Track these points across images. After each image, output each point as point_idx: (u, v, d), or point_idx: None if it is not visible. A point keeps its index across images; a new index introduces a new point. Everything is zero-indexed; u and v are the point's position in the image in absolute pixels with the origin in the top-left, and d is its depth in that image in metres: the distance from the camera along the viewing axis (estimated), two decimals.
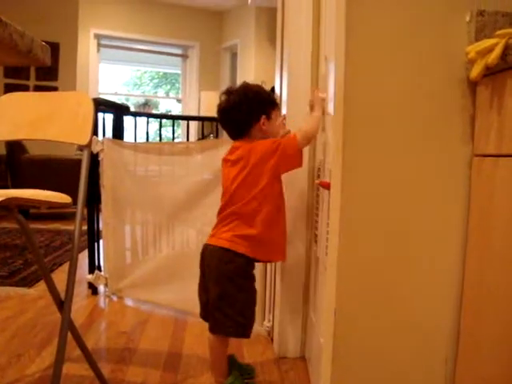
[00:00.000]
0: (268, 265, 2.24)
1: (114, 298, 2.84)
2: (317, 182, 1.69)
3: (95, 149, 2.73)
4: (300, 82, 1.94)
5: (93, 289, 2.90)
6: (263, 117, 1.74)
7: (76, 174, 1.60)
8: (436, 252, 1.32)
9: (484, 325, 1.22)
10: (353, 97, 1.26)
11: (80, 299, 2.80)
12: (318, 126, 1.73)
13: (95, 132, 2.84)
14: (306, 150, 1.91)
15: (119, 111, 2.94)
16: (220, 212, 1.75)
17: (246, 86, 1.79)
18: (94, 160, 2.78)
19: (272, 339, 2.20)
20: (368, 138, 1.27)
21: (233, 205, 1.70)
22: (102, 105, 2.78)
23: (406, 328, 1.34)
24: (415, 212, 1.31)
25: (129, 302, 2.80)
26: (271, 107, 1.77)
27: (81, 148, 1.61)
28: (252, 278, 1.72)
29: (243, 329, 1.68)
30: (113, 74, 9.09)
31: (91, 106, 1.58)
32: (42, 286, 2.92)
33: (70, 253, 3.84)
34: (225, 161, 1.79)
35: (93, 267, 2.93)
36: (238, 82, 6.72)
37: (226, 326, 1.66)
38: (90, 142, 1.57)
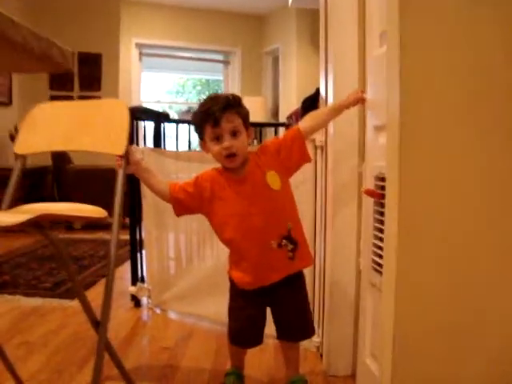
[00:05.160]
0: (316, 277, 2.12)
1: (158, 311, 2.77)
2: (362, 190, 1.55)
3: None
4: (347, 83, 1.81)
5: (135, 301, 2.83)
6: (201, 142, 1.67)
7: None
8: (508, 269, 1.18)
9: None
10: (409, 98, 1.14)
11: (123, 312, 2.74)
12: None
13: (134, 141, 2.78)
14: (354, 157, 1.80)
15: (159, 119, 2.87)
16: None
17: None
18: None
19: (321, 355, 2.07)
20: (427, 141, 1.14)
21: None
22: (140, 113, 2.72)
23: (473, 353, 1.20)
24: (483, 224, 1.16)
25: (172, 315, 2.73)
26: (199, 129, 1.65)
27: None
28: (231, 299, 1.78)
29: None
30: (155, 83, 9.13)
31: (126, 114, 1.51)
32: None
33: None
34: None
35: (135, 278, 2.87)
36: (281, 87, 6.61)
37: None
38: (127, 151, 1.50)
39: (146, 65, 7.74)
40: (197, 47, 7.85)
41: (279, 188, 1.61)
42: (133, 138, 2.74)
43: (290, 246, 1.61)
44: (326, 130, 1.96)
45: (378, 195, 1.32)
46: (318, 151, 2.08)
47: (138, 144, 2.86)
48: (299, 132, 1.65)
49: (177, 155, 2.76)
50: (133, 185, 2.74)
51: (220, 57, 8.31)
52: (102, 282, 3.32)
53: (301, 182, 2.12)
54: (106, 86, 6.60)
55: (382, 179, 1.30)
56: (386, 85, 1.20)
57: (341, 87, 1.80)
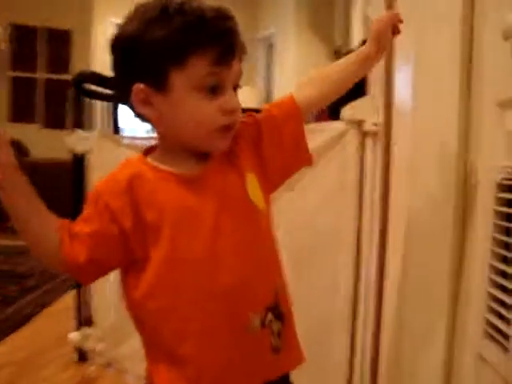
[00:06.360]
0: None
1: (110, 370, 1.90)
2: None
3: (79, 148, 1.81)
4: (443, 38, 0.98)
5: (80, 353, 1.97)
6: (138, 86, 0.74)
7: None
8: None
9: None
10: None
11: (61, 367, 1.92)
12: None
13: (82, 122, 1.89)
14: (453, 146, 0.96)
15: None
16: None
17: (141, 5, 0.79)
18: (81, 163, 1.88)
19: None
20: None
21: None
22: (88, 80, 1.81)
23: None
24: None
25: (130, 379, 1.86)
26: (174, 61, 0.72)
27: None
28: None
29: None
30: None
31: None
32: None
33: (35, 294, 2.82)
34: None
35: (81, 320, 1.99)
36: (276, 78, 5.78)
37: None
38: None
39: None
40: None
41: (264, 206, 0.79)
42: (79, 119, 1.89)
43: (277, 326, 0.77)
44: (388, 102, 1.14)
45: None
46: (368, 141, 1.26)
47: (90, 127, 2.00)
48: (295, 106, 0.84)
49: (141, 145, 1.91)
50: (78, 184, 1.88)
51: None
52: (43, 314, 2.51)
53: (336, 189, 1.31)
54: (76, 69, 5.73)
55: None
56: None
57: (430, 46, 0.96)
